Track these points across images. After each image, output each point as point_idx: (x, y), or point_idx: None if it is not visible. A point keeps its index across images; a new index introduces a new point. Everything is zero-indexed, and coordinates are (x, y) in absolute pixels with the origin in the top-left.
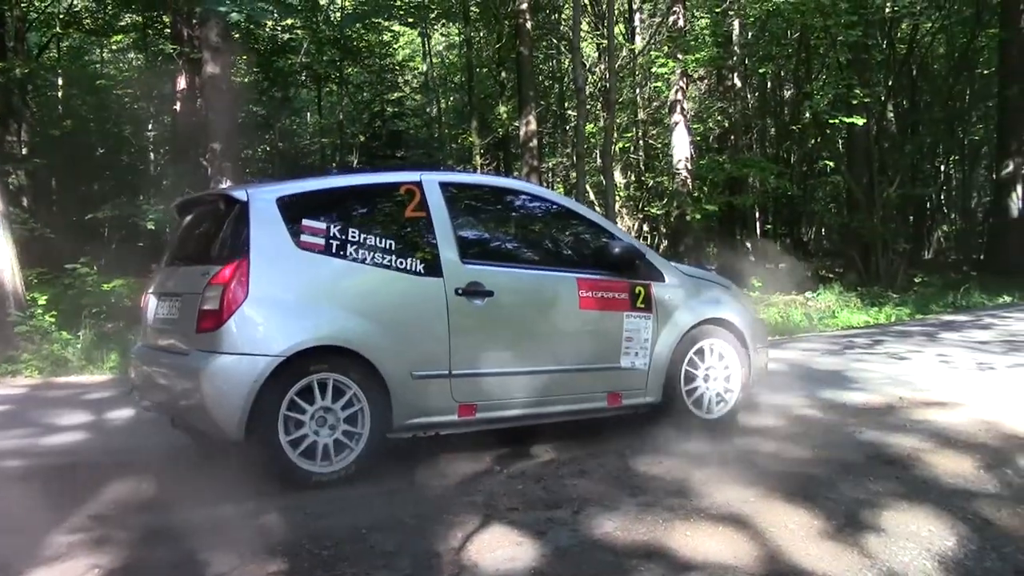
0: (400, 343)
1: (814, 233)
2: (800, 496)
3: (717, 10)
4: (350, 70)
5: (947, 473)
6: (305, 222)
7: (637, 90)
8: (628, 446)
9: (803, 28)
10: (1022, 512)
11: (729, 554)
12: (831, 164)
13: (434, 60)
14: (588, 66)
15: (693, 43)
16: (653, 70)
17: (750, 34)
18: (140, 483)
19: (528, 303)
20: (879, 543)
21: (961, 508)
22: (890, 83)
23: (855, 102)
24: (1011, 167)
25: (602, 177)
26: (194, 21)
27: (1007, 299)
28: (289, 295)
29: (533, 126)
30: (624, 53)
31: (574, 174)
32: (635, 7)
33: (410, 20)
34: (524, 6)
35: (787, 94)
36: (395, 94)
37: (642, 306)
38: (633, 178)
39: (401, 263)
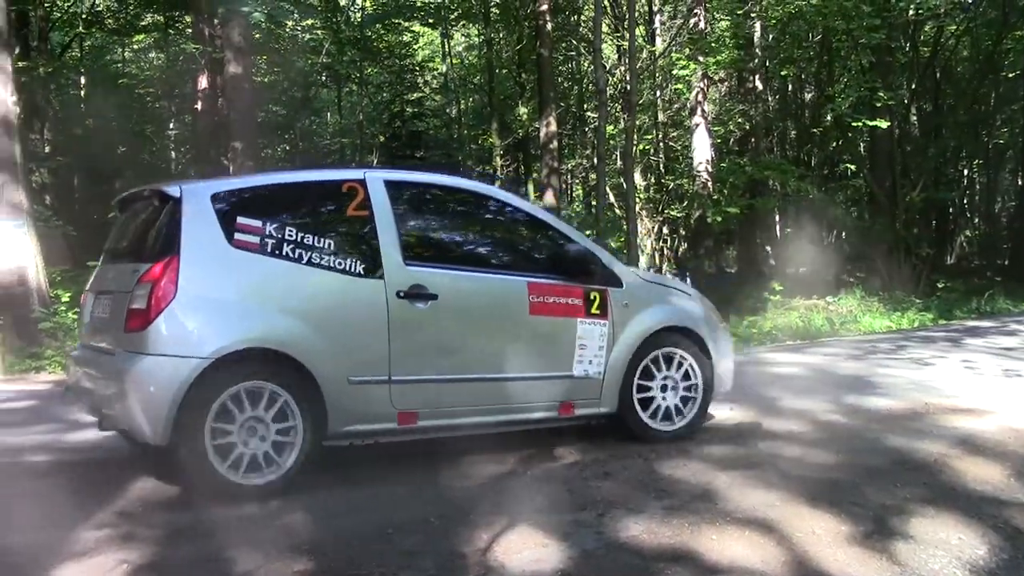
0: (337, 347)
1: (834, 237)
2: (826, 501)
3: (738, 12)
4: (370, 70)
5: (976, 480)
6: (240, 220)
7: (657, 92)
8: (652, 449)
9: (825, 31)
10: None
11: (756, 559)
12: (853, 167)
13: (454, 61)
14: (608, 68)
15: (714, 45)
16: (674, 72)
17: (771, 36)
18: (164, 481)
19: (474, 307)
20: (908, 550)
21: (991, 516)
22: (913, 86)
23: (878, 104)
24: None
25: (622, 179)
26: (216, 21)
27: None
28: (220, 295)
29: (553, 127)
30: (644, 55)
31: (593, 176)
32: (655, 9)
33: (430, 21)
34: (544, 7)
35: (808, 97)
36: (415, 95)
37: (597, 312)
38: (653, 180)
39: (340, 263)
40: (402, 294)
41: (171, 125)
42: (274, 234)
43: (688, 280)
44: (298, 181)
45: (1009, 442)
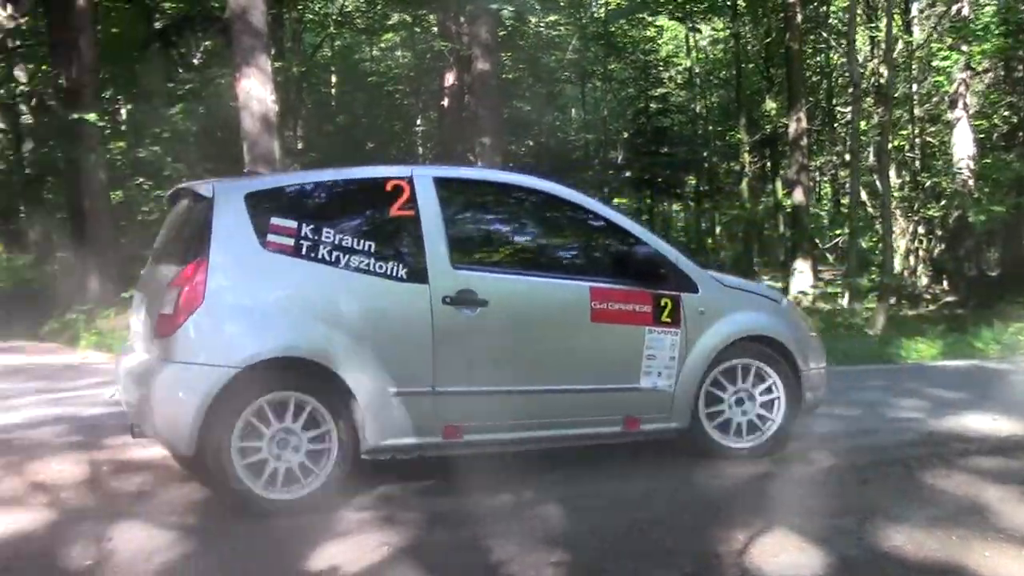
0: (376, 356)
1: None
2: None
3: None
4: (614, 66)
5: None
6: (273, 221)
7: (914, 85)
8: (912, 456)
9: None
10: None
11: None
12: None
13: (699, 56)
14: (861, 60)
15: (980, 33)
16: (933, 63)
17: None
18: (422, 467)
19: (529, 315)
20: None
21: None
22: None
23: None
24: None
25: (875, 177)
26: (462, 19)
27: None
28: (251, 300)
29: (803, 123)
30: (900, 46)
31: (843, 173)
32: None
33: (677, 15)
34: None
35: None
36: (659, 90)
37: (668, 320)
38: (908, 178)
39: (381, 267)
40: (448, 300)
41: (418, 121)
42: (310, 236)
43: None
44: (339, 179)
45: None
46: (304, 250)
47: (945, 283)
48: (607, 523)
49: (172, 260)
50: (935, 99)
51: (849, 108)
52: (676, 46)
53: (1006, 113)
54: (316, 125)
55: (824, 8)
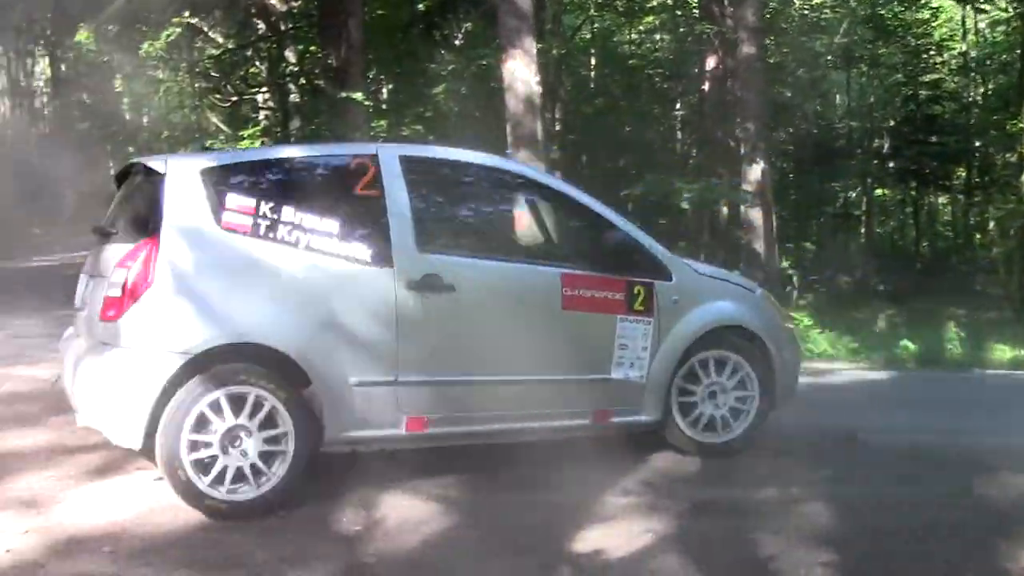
0: (337, 344)
1: None
2: None
3: None
4: (883, 50)
5: None
6: (230, 198)
7: None
8: None
9: None
10: None
11: None
12: None
13: (976, 38)
14: None
15: None
16: None
17: None
18: (683, 456)
19: (497, 301)
20: None
21: None
22: None
23: None
24: None
25: None
26: (726, 1)
27: None
28: (204, 283)
29: None
30: None
31: None
32: None
33: None
34: None
35: None
36: (931, 76)
37: (641, 308)
38: None
39: (343, 249)
40: (414, 285)
41: (677, 105)
42: (268, 215)
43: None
44: (301, 156)
45: None
46: (262, 230)
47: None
48: (881, 527)
49: (120, 239)
50: None
51: None
52: (951, 29)
53: None
54: (574, 107)
55: None
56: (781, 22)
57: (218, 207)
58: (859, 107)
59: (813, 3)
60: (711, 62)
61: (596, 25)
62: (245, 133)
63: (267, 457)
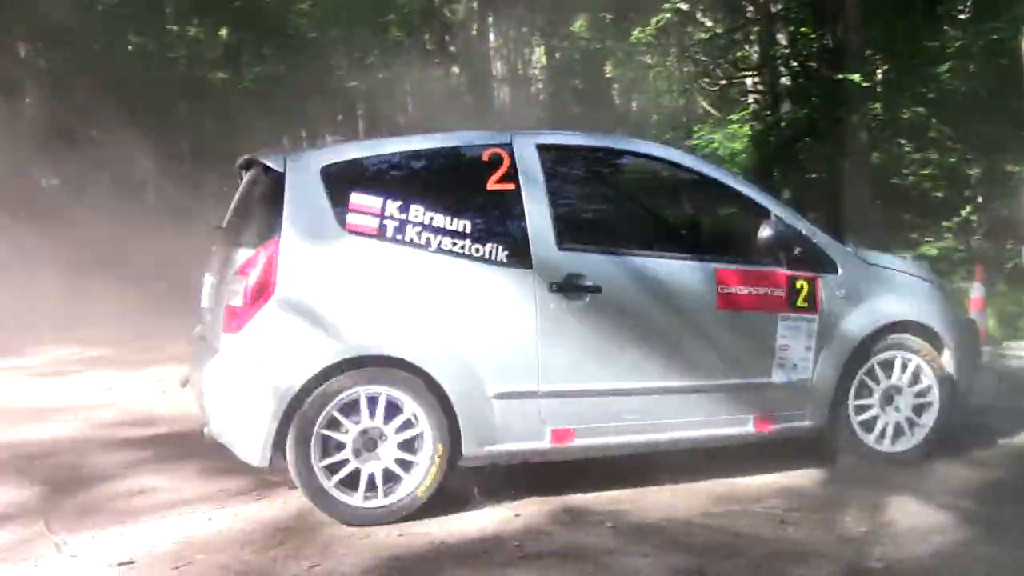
0: (472, 353)
1: None
2: None
3: None
4: None
5: None
6: (354, 198)
7: None
8: None
9: None
10: None
11: None
12: None
13: None
14: None
15: None
16: None
17: None
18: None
19: (647, 302)
20: None
21: None
22: None
23: None
24: None
25: None
26: None
27: None
28: (328, 290)
29: None
30: None
31: None
32: None
33: None
34: None
35: None
36: None
37: (804, 305)
38: None
39: (477, 250)
40: (556, 287)
41: None
42: (396, 215)
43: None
44: (428, 148)
45: None
46: (389, 231)
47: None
48: None
49: (241, 242)
50: None
51: None
52: None
53: None
54: None
55: None
56: None
57: (342, 208)
58: None
59: None
60: None
61: None
62: (734, 117)
63: (404, 463)
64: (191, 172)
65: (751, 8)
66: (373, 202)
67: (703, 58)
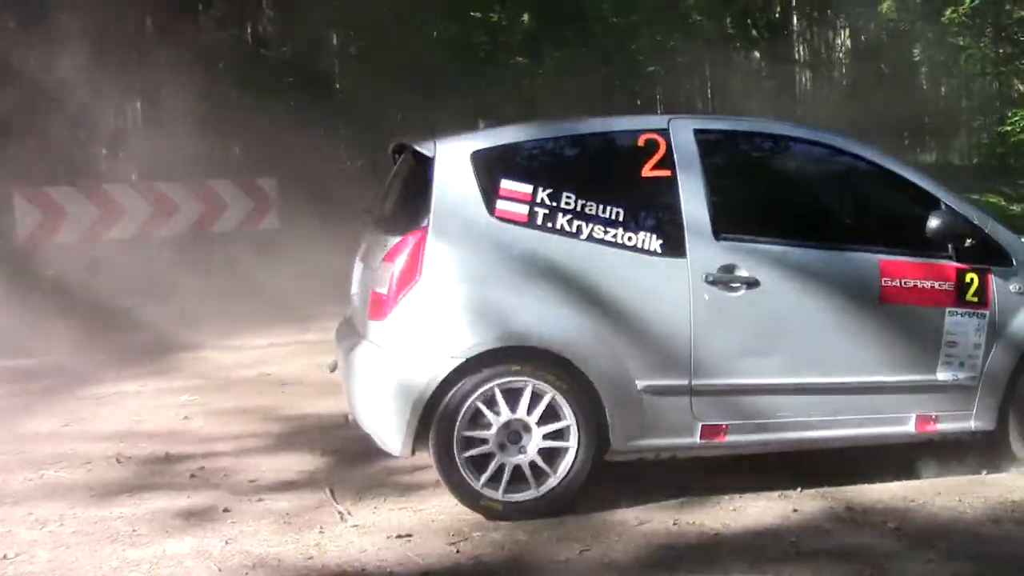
0: (622, 345)
1: None
2: None
3: None
4: None
5: None
6: (504, 184)
7: None
8: None
9: None
10: None
11: None
12: None
13: None
14: None
15: None
16: None
17: None
18: None
19: (805, 294)
20: None
21: None
22: None
23: None
24: None
25: None
26: None
27: None
28: (476, 279)
29: None
30: None
31: None
32: None
33: None
34: None
35: None
36: None
37: (974, 299)
38: None
39: (630, 239)
40: (711, 278)
41: None
42: (547, 202)
43: None
44: (581, 133)
45: None
46: (540, 219)
47: None
48: None
49: (388, 227)
50: None
51: None
52: None
53: None
54: None
55: None
56: None
57: (491, 194)
58: None
59: None
60: None
61: None
62: None
63: (548, 455)
64: None
65: None
66: (523, 189)
67: (1022, 38)
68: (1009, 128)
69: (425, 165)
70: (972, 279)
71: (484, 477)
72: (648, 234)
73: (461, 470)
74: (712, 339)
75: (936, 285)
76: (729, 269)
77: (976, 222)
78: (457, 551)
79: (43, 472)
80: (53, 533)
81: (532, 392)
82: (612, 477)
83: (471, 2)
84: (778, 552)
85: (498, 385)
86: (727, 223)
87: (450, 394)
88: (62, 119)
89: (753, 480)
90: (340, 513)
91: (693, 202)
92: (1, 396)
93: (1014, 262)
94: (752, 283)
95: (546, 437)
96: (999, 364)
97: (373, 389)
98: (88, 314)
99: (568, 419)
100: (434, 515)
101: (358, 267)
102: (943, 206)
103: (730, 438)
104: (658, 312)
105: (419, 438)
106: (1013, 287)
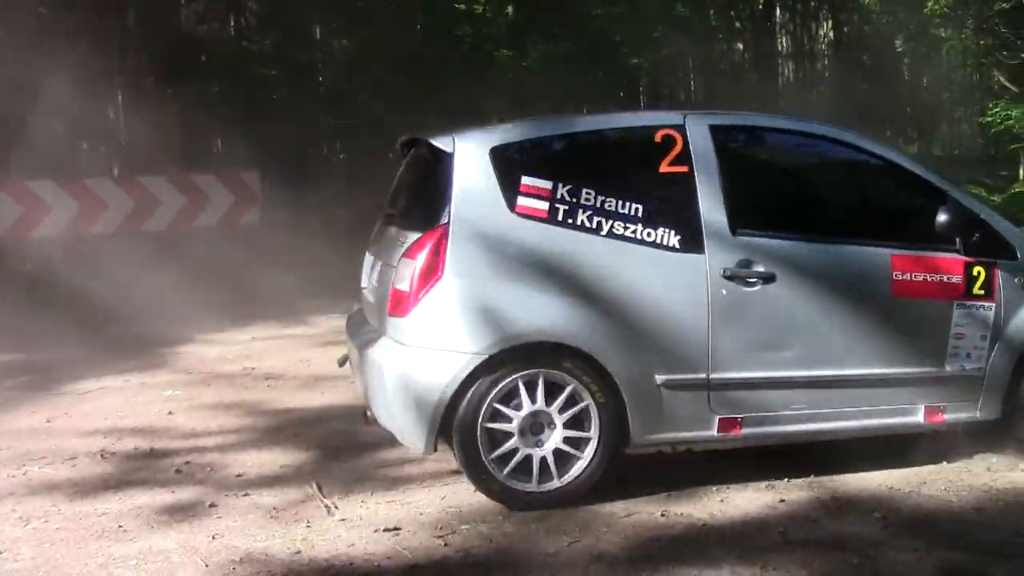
0: (642, 340)
1: None
2: None
3: None
4: None
5: None
6: (525, 180)
7: None
8: None
9: None
10: None
11: None
12: None
13: None
14: None
15: None
16: None
17: None
18: None
19: (819, 288)
20: None
21: None
22: None
23: None
24: None
25: None
26: None
27: None
28: (498, 275)
29: None
30: None
31: None
32: None
33: None
34: None
35: None
36: None
37: (981, 292)
38: None
39: (649, 234)
40: (728, 273)
41: None
42: (566, 198)
43: None
44: (599, 129)
45: None
46: (560, 215)
47: None
48: None
49: (406, 223)
50: None
51: None
52: None
53: None
54: None
55: None
56: None
57: (511, 190)
58: None
59: None
60: None
61: None
62: None
63: (569, 449)
64: None
65: None
66: (543, 185)
67: (1003, 30)
68: (990, 119)
69: (442, 160)
70: (979, 272)
71: (507, 469)
72: (666, 230)
73: (485, 463)
74: (729, 334)
75: (945, 279)
76: (746, 264)
77: (983, 216)
78: (445, 544)
79: (27, 468)
80: (37, 530)
81: (555, 385)
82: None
83: None
84: (766, 542)
85: (521, 379)
86: (743, 218)
87: (472, 389)
88: (42, 113)
89: (740, 471)
90: (327, 507)
91: (709, 197)
92: None
93: (1018, 255)
94: (768, 278)
95: (567, 428)
96: (1004, 355)
97: (395, 386)
98: (70, 309)
99: (588, 413)
100: (422, 508)
101: (368, 260)
102: (950, 200)
103: (746, 431)
104: (677, 307)
105: (440, 432)
106: (1018, 280)
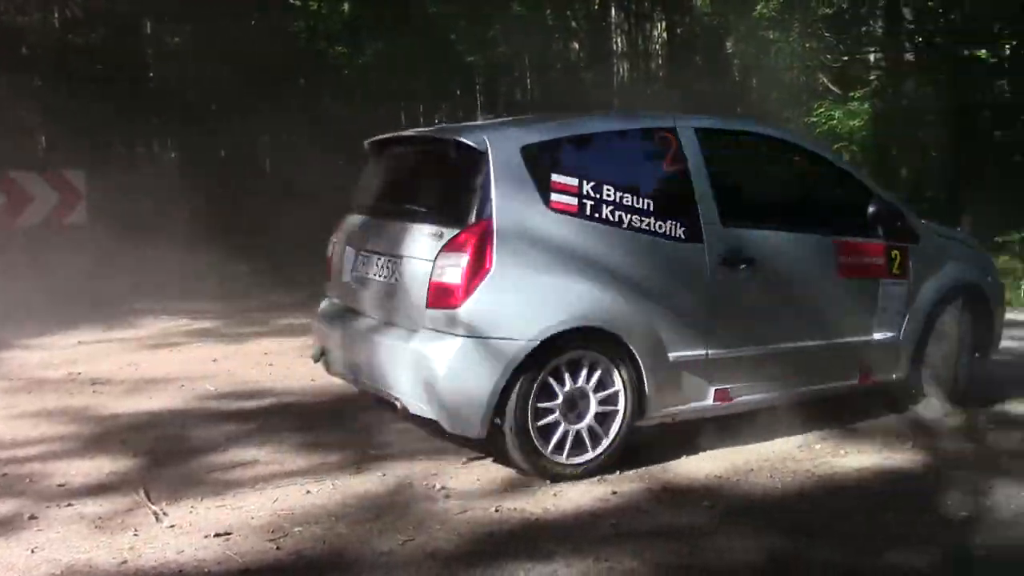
0: (658, 322)
1: None
2: None
3: None
4: None
5: None
6: (555, 177)
7: None
8: None
9: None
10: None
11: None
12: None
13: None
14: None
15: None
16: None
17: None
18: None
19: (789, 271)
20: None
21: None
22: None
23: None
24: None
25: None
26: None
27: None
28: (540, 267)
29: None
30: None
31: None
32: None
33: None
34: None
35: None
36: None
37: (898, 272)
38: None
39: (660, 227)
40: (723, 259)
41: None
42: (591, 193)
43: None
44: (611, 129)
45: None
46: (588, 210)
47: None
48: None
49: (427, 220)
50: None
51: None
52: None
53: None
54: None
55: None
56: None
57: (544, 186)
58: None
59: None
60: None
61: None
62: (855, 95)
63: (601, 423)
64: (307, 147)
65: None
66: (571, 181)
67: (827, 34)
68: (815, 119)
69: (471, 157)
70: (896, 255)
71: (552, 444)
72: (674, 222)
73: (534, 439)
74: (724, 312)
75: (874, 261)
76: (736, 252)
77: (899, 207)
78: (277, 548)
79: None
80: None
81: (591, 364)
82: (435, 467)
83: None
84: (599, 534)
85: (566, 360)
86: (727, 212)
87: (527, 374)
88: None
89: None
90: (155, 514)
91: (703, 193)
92: None
93: (920, 240)
94: (752, 263)
95: (600, 403)
96: (913, 323)
97: (449, 374)
98: None
99: (619, 386)
100: (253, 512)
101: (349, 253)
102: (878, 196)
103: (735, 399)
104: (685, 291)
105: (493, 422)
106: (920, 260)
